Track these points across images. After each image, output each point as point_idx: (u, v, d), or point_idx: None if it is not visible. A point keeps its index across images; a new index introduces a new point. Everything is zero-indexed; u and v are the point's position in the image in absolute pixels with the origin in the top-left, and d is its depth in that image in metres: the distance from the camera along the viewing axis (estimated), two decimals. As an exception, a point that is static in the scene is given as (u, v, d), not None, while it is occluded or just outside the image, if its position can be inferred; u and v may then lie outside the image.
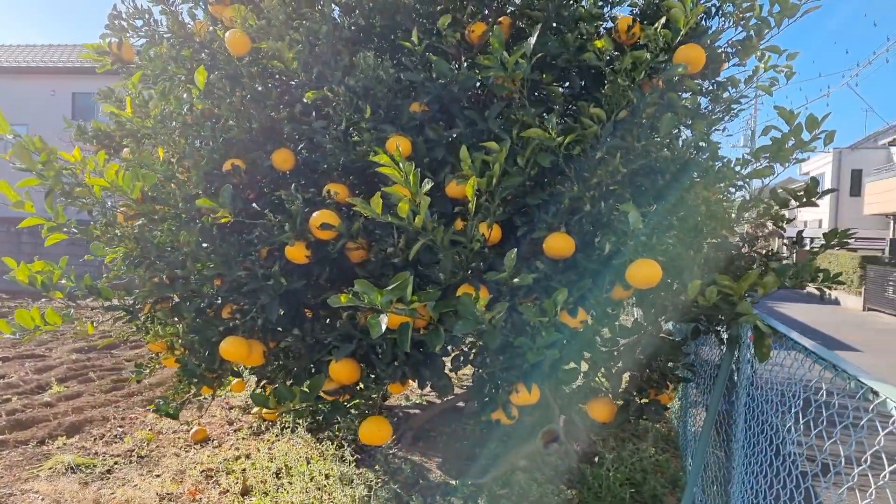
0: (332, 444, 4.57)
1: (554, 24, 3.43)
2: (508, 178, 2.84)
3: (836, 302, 22.07)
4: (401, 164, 2.33)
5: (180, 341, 3.38)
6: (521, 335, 2.60)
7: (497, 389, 3.22)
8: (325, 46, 3.28)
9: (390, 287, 2.37)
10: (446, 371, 3.27)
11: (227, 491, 3.94)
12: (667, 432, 5.59)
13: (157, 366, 3.96)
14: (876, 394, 1.52)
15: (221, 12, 3.82)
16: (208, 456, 4.54)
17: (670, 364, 3.14)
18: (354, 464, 4.18)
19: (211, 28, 4.03)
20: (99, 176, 3.02)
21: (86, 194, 3.23)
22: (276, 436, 4.93)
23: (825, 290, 3.27)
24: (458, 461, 4.59)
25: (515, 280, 2.64)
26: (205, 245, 3.20)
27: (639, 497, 4.25)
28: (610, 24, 3.60)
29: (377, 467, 4.33)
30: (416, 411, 5.65)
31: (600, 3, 3.49)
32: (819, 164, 32.79)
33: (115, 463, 4.43)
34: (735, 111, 3.98)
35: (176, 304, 3.43)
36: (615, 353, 3.20)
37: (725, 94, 3.84)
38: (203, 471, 4.27)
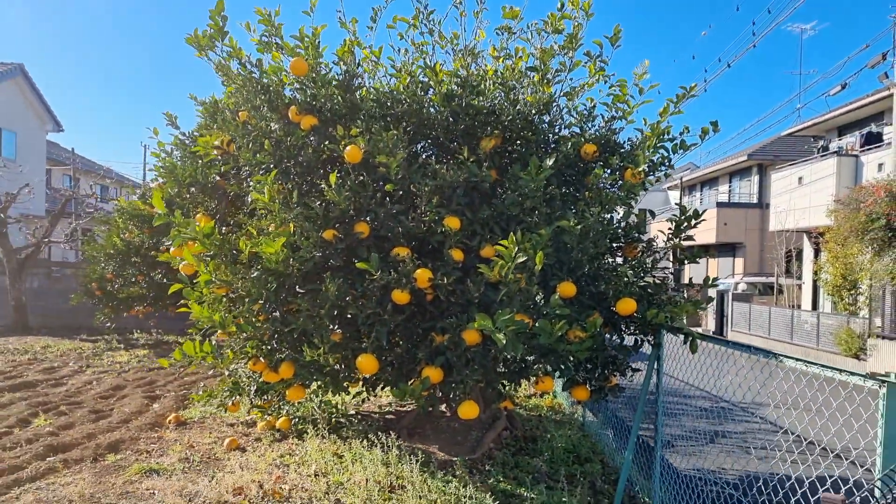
0: (357, 440, 5.96)
1: (552, 145, 5.29)
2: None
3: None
4: (516, 246, 4.02)
5: (329, 357, 4.68)
6: (567, 345, 4.36)
7: (507, 385, 4.95)
8: (404, 157, 4.87)
9: (503, 318, 4.03)
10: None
11: (303, 474, 5.21)
12: (567, 420, 7.60)
13: (251, 383, 5.18)
14: (777, 357, 3.47)
15: (299, 119, 5.22)
16: (258, 457, 5.72)
17: (628, 361, 5.08)
18: (397, 449, 5.60)
19: (276, 126, 5.41)
20: (269, 245, 4.33)
21: (244, 259, 4.51)
22: (300, 439, 6.19)
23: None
24: (449, 446, 6.19)
25: (558, 311, 4.40)
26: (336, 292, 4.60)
27: (577, 459, 6.14)
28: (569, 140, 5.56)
29: (395, 453, 5.80)
30: (391, 416, 7.16)
31: (576, 132, 5.43)
32: (614, 204, 38.26)
33: (184, 467, 5.47)
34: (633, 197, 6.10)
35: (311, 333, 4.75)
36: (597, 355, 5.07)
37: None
38: (265, 465, 5.47)
